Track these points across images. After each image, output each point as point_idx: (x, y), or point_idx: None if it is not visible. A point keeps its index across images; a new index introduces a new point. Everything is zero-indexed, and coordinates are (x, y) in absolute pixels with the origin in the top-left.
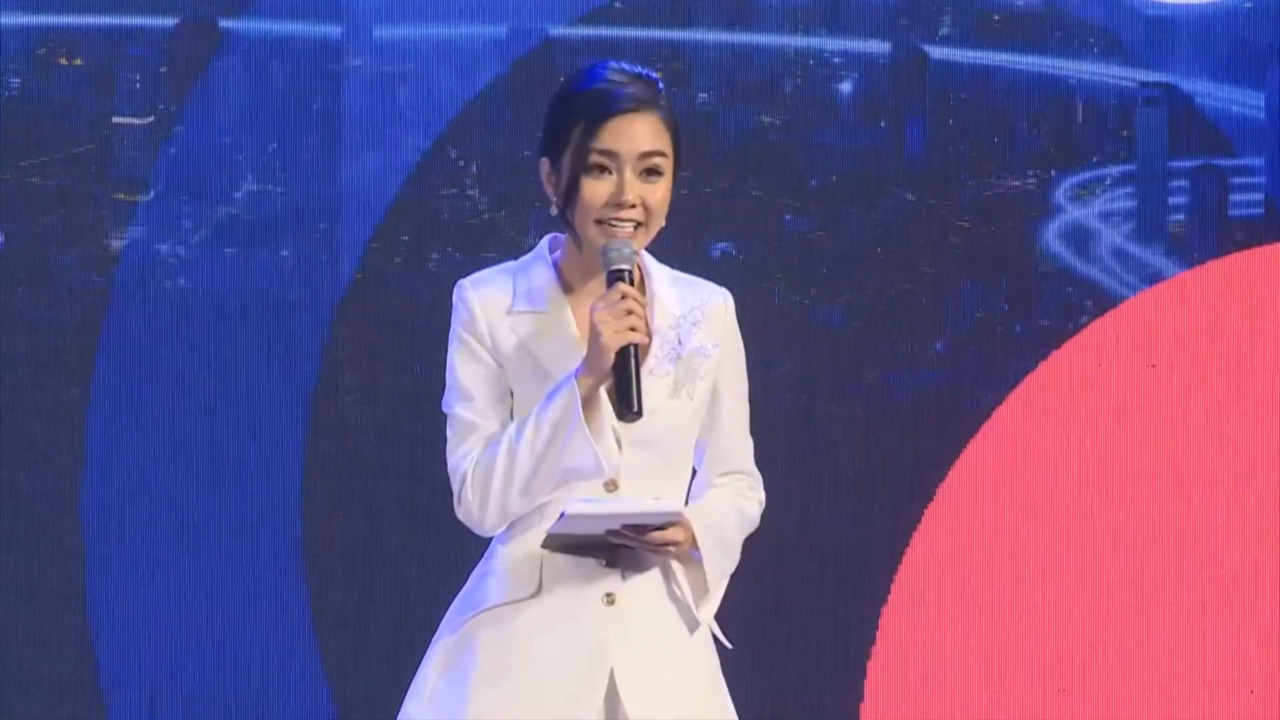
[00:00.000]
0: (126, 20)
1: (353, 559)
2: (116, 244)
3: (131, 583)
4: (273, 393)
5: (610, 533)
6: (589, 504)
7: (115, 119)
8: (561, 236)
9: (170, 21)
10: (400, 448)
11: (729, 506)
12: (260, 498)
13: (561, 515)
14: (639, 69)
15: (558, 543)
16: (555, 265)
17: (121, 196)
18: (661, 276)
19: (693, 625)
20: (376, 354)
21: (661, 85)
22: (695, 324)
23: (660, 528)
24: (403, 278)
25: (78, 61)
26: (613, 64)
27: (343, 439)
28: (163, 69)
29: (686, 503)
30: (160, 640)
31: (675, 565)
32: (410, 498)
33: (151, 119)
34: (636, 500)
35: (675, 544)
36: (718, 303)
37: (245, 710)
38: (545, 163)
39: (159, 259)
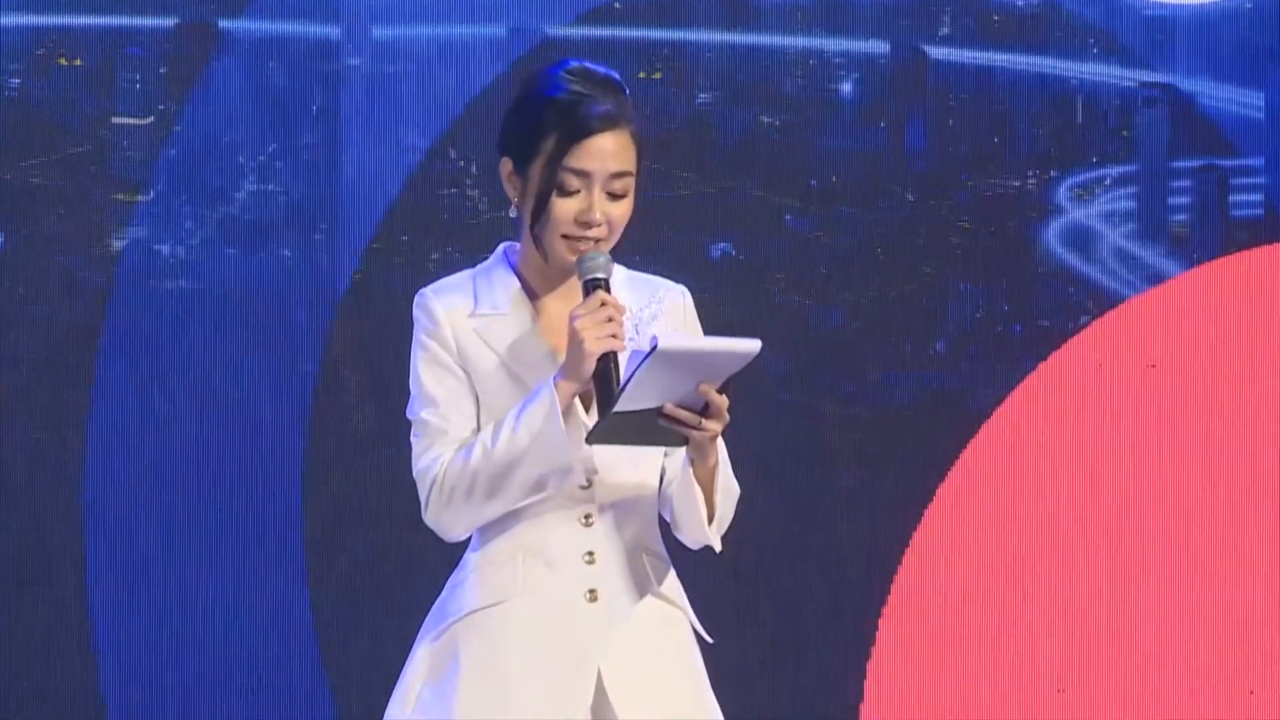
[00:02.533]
0: (126, 20)
1: (353, 559)
2: (117, 244)
3: (132, 583)
4: (273, 393)
5: (664, 417)
6: (678, 339)
7: (115, 119)
8: (517, 244)
9: (169, 22)
10: (400, 448)
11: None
12: (261, 498)
13: (653, 347)
14: (604, 71)
15: (611, 429)
16: (515, 270)
17: (121, 197)
18: (618, 274)
19: (675, 620)
20: (376, 354)
21: (627, 90)
22: (654, 318)
23: (717, 395)
24: (403, 278)
25: (77, 61)
26: (576, 66)
27: (343, 439)
28: (162, 69)
29: (659, 510)
30: (160, 640)
31: (684, 492)
32: (411, 497)
33: (151, 119)
34: (716, 336)
35: (724, 421)
36: (675, 299)
37: (245, 710)
38: (508, 163)
39: (159, 259)
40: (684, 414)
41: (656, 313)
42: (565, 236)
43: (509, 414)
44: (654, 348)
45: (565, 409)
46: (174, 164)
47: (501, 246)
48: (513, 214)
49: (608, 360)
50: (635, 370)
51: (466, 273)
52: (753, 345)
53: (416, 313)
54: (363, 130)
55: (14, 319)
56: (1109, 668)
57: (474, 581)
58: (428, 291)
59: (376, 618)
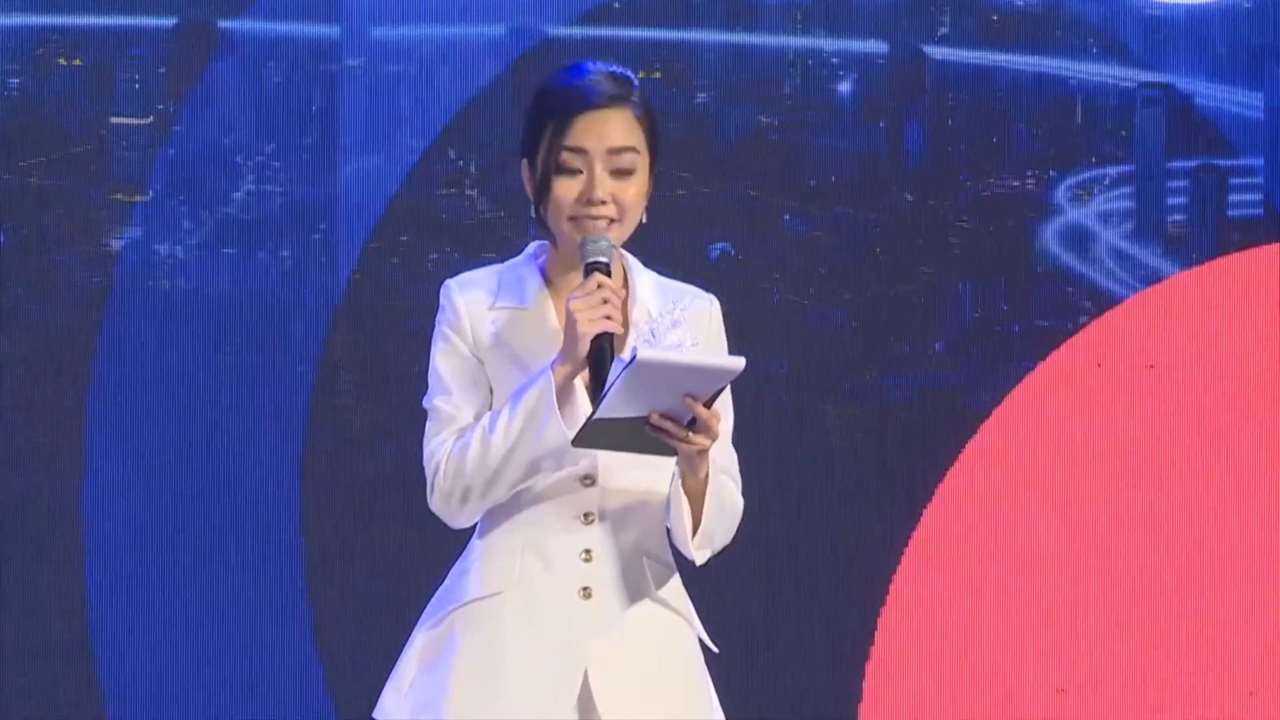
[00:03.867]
0: (126, 20)
1: (351, 559)
2: (115, 244)
3: (131, 582)
4: (271, 393)
5: (651, 427)
6: (658, 350)
7: (114, 119)
8: (546, 242)
9: (169, 22)
10: (399, 448)
11: (728, 478)
12: (259, 498)
13: (632, 357)
14: (615, 68)
15: (595, 433)
16: (540, 267)
17: (120, 197)
18: (646, 278)
19: (673, 625)
20: (375, 354)
21: (637, 84)
22: (675, 324)
23: (704, 407)
24: (401, 278)
25: (77, 61)
26: (589, 64)
27: (342, 439)
28: (162, 69)
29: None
30: (160, 641)
31: (674, 502)
32: (409, 498)
33: (150, 119)
34: (699, 350)
35: (713, 436)
36: (702, 306)
37: (245, 709)
38: (524, 164)
39: (158, 259)
40: (670, 426)
41: (678, 320)
42: (572, 219)
43: (508, 400)
44: (633, 358)
45: (562, 390)
46: (173, 164)
47: (534, 244)
48: (533, 214)
49: (602, 341)
50: (616, 380)
51: (494, 267)
52: (736, 363)
53: (441, 302)
54: (362, 130)
55: (14, 319)
56: (1109, 668)
57: (475, 571)
58: (452, 283)
59: (376, 616)
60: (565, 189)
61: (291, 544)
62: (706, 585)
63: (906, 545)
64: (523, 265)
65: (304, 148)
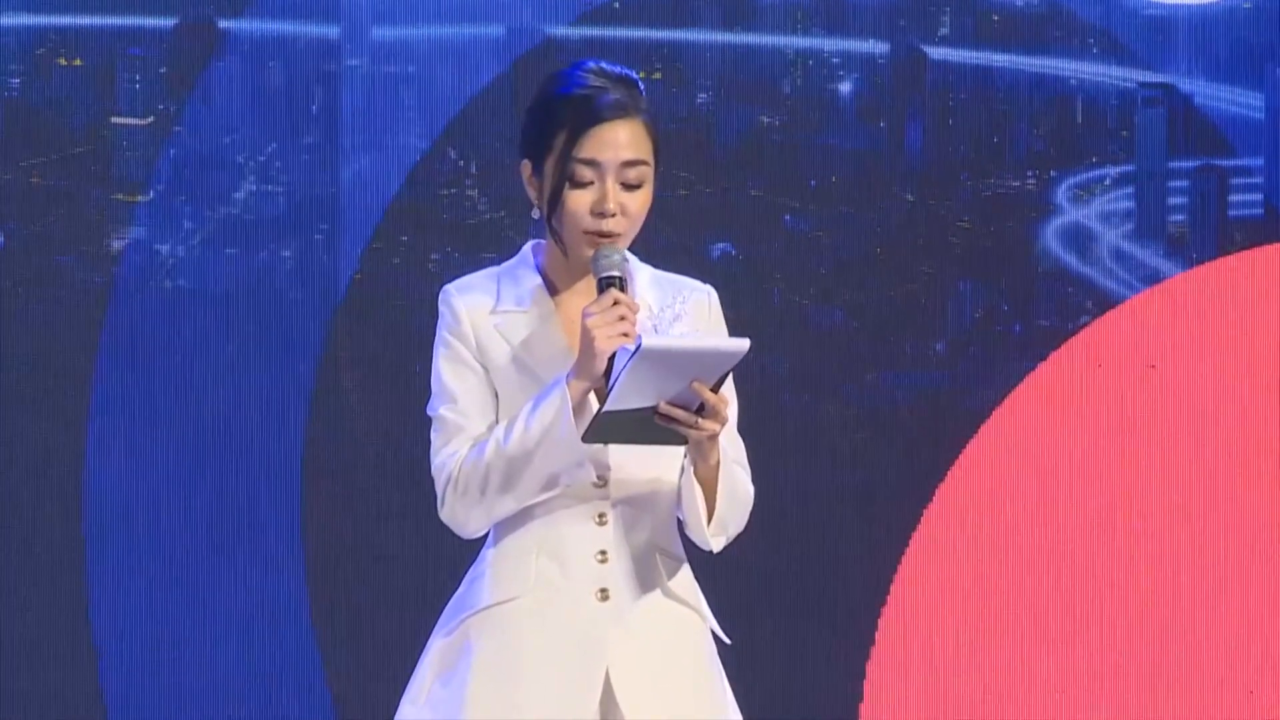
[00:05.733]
0: (126, 20)
1: (353, 559)
2: (116, 244)
3: (131, 582)
4: (273, 393)
5: (660, 416)
6: (662, 339)
7: (115, 119)
8: (544, 241)
9: (170, 22)
10: (400, 448)
11: (738, 466)
12: (260, 498)
13: (638, 346)
14: (619, 69)
15: (605, 427)
16: (539, 268)
17: (121, 197)
18: (643, 274)
19: (688, 621)
20: (376, 354)
21: (642, 86)
22: (676, 318)
23: (711, 393)
24: (402, 278)
25: (78, 61)
26: (592, 65)
27: (343, 439)
28: (162, 69)
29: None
30: (161, 640)
31: (686, 492)
32: (410, 498)
33: (151, 119)
34: (703, 335)
35: (721, 420)
36: (700, 298)
37: (246, 710)
38: (526, 165)
39: (159, 259)
40: (679, 413)
41: (679, 313)
42: (585, 231)
43: (522, 410)
44: (639, 347)
45: (578, 406)
46: (174, 164)
47: (529, 244)
48: (535, 215)
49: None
50: (623, 370)
51: (492, 270)
52: (741, 344)
53: (440, 309)
54: (362, 130)
55: (14, 319)
56: (1108, 668)
57: (489, 577)
58: (451, 288)
59: (377, 618)
60: (578, 201)
61: (293, 544)
62: (707, 585)
63: (907, 545)
64: (521, 267)
65: (305, 147)
